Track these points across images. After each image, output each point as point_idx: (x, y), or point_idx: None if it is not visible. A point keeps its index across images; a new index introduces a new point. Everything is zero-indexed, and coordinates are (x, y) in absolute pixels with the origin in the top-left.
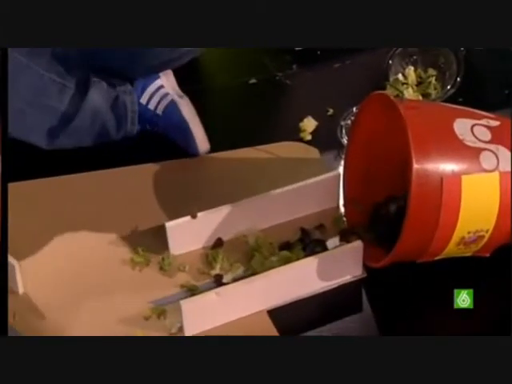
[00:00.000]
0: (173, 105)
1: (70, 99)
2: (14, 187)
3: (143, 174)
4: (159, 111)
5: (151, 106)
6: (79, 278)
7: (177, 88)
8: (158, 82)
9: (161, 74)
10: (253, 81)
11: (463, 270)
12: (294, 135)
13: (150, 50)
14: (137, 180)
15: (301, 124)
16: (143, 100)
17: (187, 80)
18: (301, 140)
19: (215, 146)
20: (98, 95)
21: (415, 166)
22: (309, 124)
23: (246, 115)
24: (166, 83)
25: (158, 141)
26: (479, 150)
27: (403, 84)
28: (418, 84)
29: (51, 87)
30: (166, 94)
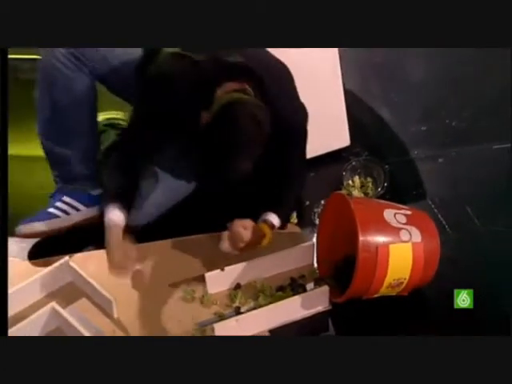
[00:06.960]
0: None
1: None
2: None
3: (195, 244)
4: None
5: (57, 212)
6: (152, 307)
7: None
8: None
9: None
10: None
11: (463, 270)
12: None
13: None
14: (191, 250)
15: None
16: (57, 204)
17: None
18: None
19: None
20: None
21: (361, 238)
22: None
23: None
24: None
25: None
26: (399, 229)
27: (352, 187)
28: (361, 187)
29: None
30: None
